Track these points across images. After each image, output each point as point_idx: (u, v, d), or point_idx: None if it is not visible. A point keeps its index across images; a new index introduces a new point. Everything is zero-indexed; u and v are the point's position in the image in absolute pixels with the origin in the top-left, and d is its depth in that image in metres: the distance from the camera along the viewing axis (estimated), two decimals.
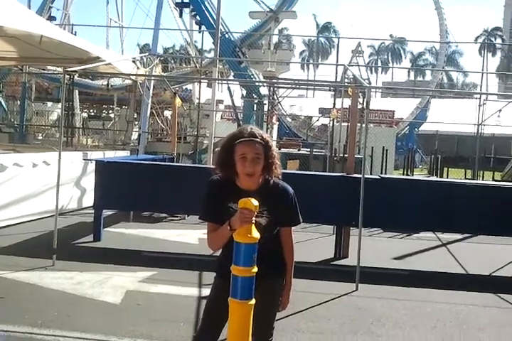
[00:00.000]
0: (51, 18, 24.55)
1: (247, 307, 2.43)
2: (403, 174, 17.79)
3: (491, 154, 19.17)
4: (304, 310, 4.93)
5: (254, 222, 2.41)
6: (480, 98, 16.21)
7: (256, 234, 2.40)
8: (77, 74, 16.47)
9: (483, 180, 15.81)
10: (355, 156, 7.59)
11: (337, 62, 17.24)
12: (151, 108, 14.58)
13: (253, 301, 2.44)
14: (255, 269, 2.41)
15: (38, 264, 6.08)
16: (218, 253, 2.88)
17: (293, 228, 2.89)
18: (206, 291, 5.28)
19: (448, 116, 24.31)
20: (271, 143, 2.74)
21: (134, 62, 13.40)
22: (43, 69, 20.11)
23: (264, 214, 2.65)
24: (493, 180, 16.48)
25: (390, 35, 76.16)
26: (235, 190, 2.71)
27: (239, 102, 23.93)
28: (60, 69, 14.74)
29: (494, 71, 63.01)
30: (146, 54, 14.71)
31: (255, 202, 2.41)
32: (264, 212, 2.64)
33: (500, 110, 15.52)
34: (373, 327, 4.72)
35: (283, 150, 16.42)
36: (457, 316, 5.15)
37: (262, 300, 2.56)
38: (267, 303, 2.75)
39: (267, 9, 23.43)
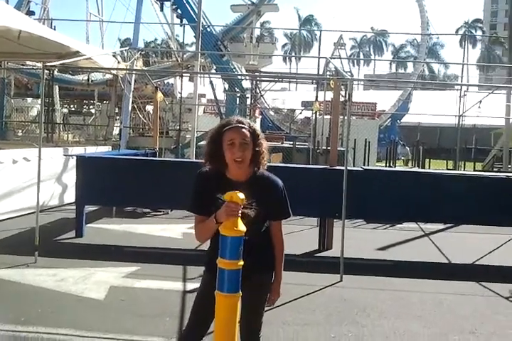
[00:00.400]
0: (30, 13, 24.11)
1: (233, 301, 2.42)
2: (386, 166, 17.89)
3: (472, 145, 19.35)
4: (289, 302, 4.93)
5: (240, 214, 2.40)
6: (461, 89, 16.32)
7: (242, 227, 2.39)
8: (56, 69, 16.25)
9: (464, 170, 15.97)
10: (338, 149, 7.59)
11: (319, 54, 17.27)
12: (132, 103, 14.45)
13: (239, 294, 2.42)
14: (241, 262, 2.40)
15: (20, 261, 6.01)
16: (202, 247, 2.85)
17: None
18: (191, 285, 5.30)
19: (430, 108, 24.49)
20: (258, 131, 2.72)
21: (114, 56, 13.29)
22: (22, 65, 19.82)
23: (253, 205, 2.62)
24: (474, 170, 16.65)
25: (371, 28, 76.55)
26: (224, 181, 2.68)
27: (221, 96, 23.85)
28: (40, 65, 14.55)
29: (475, 62, 63.58)
30: (127, 48, 14.57)
31: (241, 196, 2.40)
32: (253, 203, 2.62)
33: (480, 101, 15.63)
34: (358, 318, 4.75)
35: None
36: (441, 305, 5.20)
37: (249, 294, 2.56)
38: (254, 298, 2.73)
39: (249, 2, 23.33)
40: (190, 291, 5.14)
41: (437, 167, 18.29)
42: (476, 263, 7.03)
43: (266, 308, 2.88)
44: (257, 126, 2.85)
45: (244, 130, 2.63)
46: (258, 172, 2.74)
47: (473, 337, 4.40)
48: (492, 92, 16.04)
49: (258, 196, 2.65)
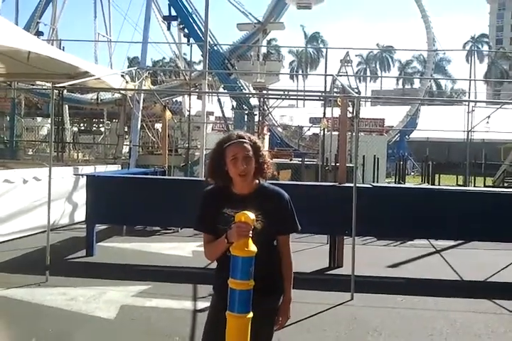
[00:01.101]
0: (39, 34, 24.54)
1: (244, 321, 2.40)
2: (395, 182, 17.83)
3: (481, 160, 19.26)
4: (299, 321, 4.90)
5: (251, 235, 2.40)
6: (468, 105, 16.33)
7: (253, 247, 2.39)
8: (65, 90, 16.42)
9: (474, 185, 15.90)
10: (347, 165, 7.60)
11: (326, 72, 17.30)
12: (141, 121, 14.55)
13: (251, 315, 2.41)
14: (252, 282, 2.40)
15: (31, 281, 6.02)
16: (212, 265, 2.84)
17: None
18: (201, 304, 5.29)
19: (438, 123, 24.45)
20: (259, 143, 2.74)
21: (123, 76, 13.40)
22: (32, 85, 20.07)
23: (259, 218, 2.59)
24: (485, 185, 16.57)
25: (377, 44, 76.89)
26: (229, 195, 2.70)
27: (229, 114, 23.98)
28: (49, 84, 14.71)
29: (482, 77, 63.66)
30: (135, 68, 14.70)
31: (252, 216, 2.40)
32: (258, 216, 2.59)
33: (488, 116, 15.63)
34: (369, 337, 4.70)
35: (275, 160, 16.36)
36: (453, 323, 5.14)
37: (258, 317, 2.50)
38: (264, 320, 2.65)
39: (255, 21, 23.61)
40: (200, 310, 5.13)
41: (447, 182, 18.22)
42: (489, 280, 6.96)
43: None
44: (258, 138, 2.86)
45: (245, 144, 2.66)
46: (263, 184, 2.75)
47: None
48: (500, 107, 16.03)
49: (264, 208, 2.64)
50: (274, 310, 2.75)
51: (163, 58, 62.16)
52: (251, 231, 2.41)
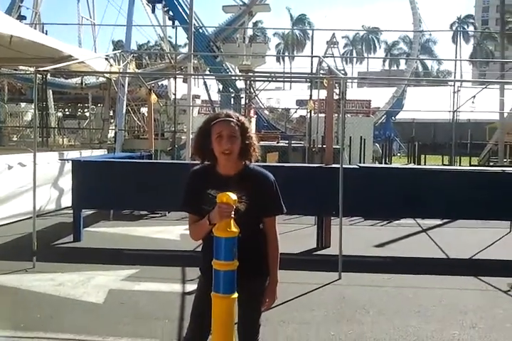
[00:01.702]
0: (21, 18, 24.10)
1: (229, 301, 2.41)
2: (381, 163, 17.90)
3: (467, 140, 19.38)
4: (287, 301, 4.93)
5: (233, 216, 2.39)
6: (454, 85, 16.35)
7: (235, 228, 2.39)
8: (49, 74, 16.20)
9: (460, 165, 16.00)
10: (334, 147, 7.61)
11: (312, 53, 17.21)
12: (126, 105, 14.43)
13: (235, 295, 2.42)
14: (237, 263, 2.40)
15: (18, 267, 5.99)
16: (200, 248, 2.83)
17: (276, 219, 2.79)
18: (190, 287, 5.30)
19: (424, 104, 24.53)
20: (247, 124, 2.71)
21: (107, 59, 13.25)
22: (15, 70, 19.78)
23: (242, 199, 2.58)
24: (470, 165, 16.69)
25: (362, 26, 76.61)
26: (214, 176, 2.68)
27: (216, 97, 23.84)
28: (32, 69, 14.51)
29: (467, 58, 63.69)
30: (120, 51, 14.55)
31: (234, 196, 2.39)
32: (242, 197, 2.58)
33: (474, 96, 15.67)
34: (357, 315, 4.75)
35: (262, 143, 16.35)
36: (440, 300, 5.21)
37: (245, 299, 2.52)
38: (250, 302, 2.68)
39: (241, 3, 23.32)
40: (189, 293, 5.14)
41: (433, 162, 18.33)
42: (474, 257, 7.04)
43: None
44: (247, 119, 2.83)
45: (232, 123, 2.62)
46: (249, 166, 2.72)
47: (473, 332, 4.41)
48: (486, 87, 16.07)
49: (248, 190, 2.62)
50: (260, 291, 2.75)
51: (148, 42, 61.47)
52: (233, 212, 2.39)
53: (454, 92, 16.02)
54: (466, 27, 73.40)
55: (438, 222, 9.12)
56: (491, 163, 18.57)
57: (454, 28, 72.21)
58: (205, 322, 2.66)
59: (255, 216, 2.69)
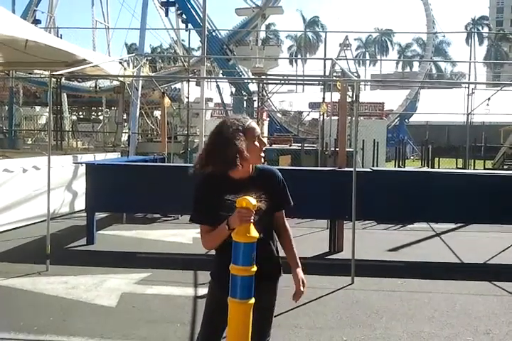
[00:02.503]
0: (36, 22, 24.34)
1: (246, 307, 2.40)
2: (395, 166, 17.82)
3: (481, 143, 19.22)
4: (300, 306, 4.91)
5: (252, 221, 2.38)
6: (468, 87, 16.23)
7: (255, 233, 2.37)
8: (63, 78, 16.34)
9: (474, 168, 15.89)
10: (347, 150, 7.58)
11: (325, 56, 17.17)
12: (140, 108, 14.51)
13: (253, 300, 2.40)
14: (254, 268, 2.39)
15: (32, 269, 6.04)
16: (212, 252, 2.81)
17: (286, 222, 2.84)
18: (202, 291, 5.30)
19: (438, 106, 24.34)
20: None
21: (121, 63, 13.34)
22: (30, 74, 19.98)
23: (262, 198, 2.54)
24: (485, 168, 16.56)
25: (375, 28, 76.40)
26: (227, 181, 2.65)
27: (228, 100, 23.88)
28: (47, 73, 14.65)
29: (482, 60, 63.30)
30: (133, 54, 14.63)
31: (253, 201, 2.37)
32: (262, 196, 2.54)
33: (489, 99, 15.52)
34: (370, 320, 4.72)
35: (274, 146, 16.40)
36: (454, 305, 5.16)
37: (259, 300, 2.51)
38: (264, 304, 2.68)
39: (254, 5, 23.36)
40: (201, 297, 5.14)
41: (447, 165, 18.19)
42: (489, 262, 6.98)
43: (276, 311, 2.84)
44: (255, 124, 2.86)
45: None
46: (256, 166, 2.75)
47: (487, 338, 4.37)
48: (500, 89, 15.93)
49: (264, 188, 2.60)
50: (275, 289, 2.78)
51: (161, 45, 61.78)
52: (253, 216, 2.39)
53: (468, 95, 15.89)
54: (480, 28, 72.90)
55: (452, 226, 9.04)
56: (505, 166, 18.42)
57: (468, 29, 71.76)
58: (217, 328, 2.66)
59: (273, 213, 2.74)
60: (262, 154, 2.68)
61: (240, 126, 2.63)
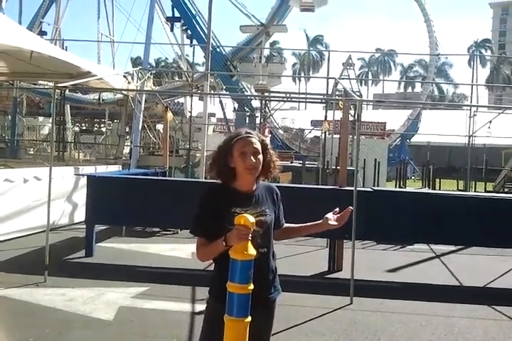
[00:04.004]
0: (42, 33, 24.54)
1: (242, 325, 2.38)
2: (395, 186, 17.82)
3: (482, 165, 19.24)
4: (298, 325, 4.89)
5: (250, 238, 2.37)
6: (470, 110, 16.32)
7: (252, 250, 2.37)
8: (67, 90, 16.43)
9: (475, 190, 15.87)
10: (348, 168, 7.59)
11: (328, 75, 17.30)
12: (142, 122, 14.55)
13: (249, 319, 2.39)
14: (251, 286, 2.38)
15: (30, 280, 6.01)
16: (211, 267, 2.80)
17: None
18: (199, 307, 5.28)
19: (439, 127, 24.45)
20: (267, 142, 2.74)
21: (125, 76, 13.40)
22: (34, 84, 20.09)
23: (266, 212, 2.65)
24: (485, 190, 16.55)
25: (377, 49, 76.93)
26: (234, 193, 2.65)
27: (231, 115, 23.99)
28: (51, 84, 14.73)
29: (484, 82, 63.66)
30: (137, 68, 14.71)
31: (252, 219, 2.38)
32: (266, 210, 2.65)
33: (490, 121, 15.61)
34: None
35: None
36: (452, 329, 5.12)
37: (256, 323, 2.47)
38: (262, 324, 2.64)
39: (258, 23, 23.59)
40: (199, 313, 5.11)
41: (448, 187, 18.18)
42: (488, 286, 6.94)
43: (273, 330, 2.83)
44: (264, 137, 2.86)
45: (254, 139, 2.65)
46: (259, 181, 2.75)
47: None
48: (502, 112, 16.01)
49: (269, 203, 2.71)
50: (273, 308, 2.76)
51: (166, 59, 62.15)
52: (251, 234, 2.38)
53: (470, 117, 15.98)
54: (483, 51, 73.43)
55: (452, 248, 9.01)
56: (506, 189, 18.41)
57: (470, 51, 72.29)
58: None
59: (275, 228, 2.78)
60: (251, 167, 2.59)
61: (232, 139, 2.66)
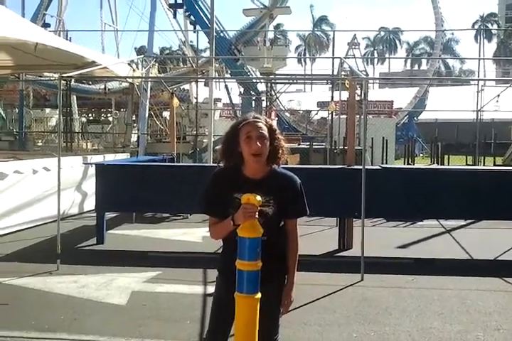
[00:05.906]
0: (45, 25, 24.57)
1: (253, 302, 2.41)
2: (404, 163, 17.75)
3: (491, 140, 19.08)
4: (309, 303, 4.93)
5: (257, 216, 2.38)
6: (478, 84, 16.17)
7: (260, 228, 2.39)
8: (73, 80, 16.46)
9: (484, 165, 15.78)
10: (356, 148, 7.57)
11: (333, 55, 17.23)
12: (149, 109, 14.57)
13: (259, 295, 2.42)
14: (260, 263, 2.40)
15: (43, 269, 6.08)
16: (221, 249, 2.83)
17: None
18: (211, 289, 5.29)
19: (447, 104, 24.26)
20: (275, 127, 2.70)
21: (129, 64, 13.39)
22: (40, 76, 20.14)
23: (270, 203, 2.59)
24: (495, 165, 16.44)
25: (381, 28, 76.06)
26: (240, 179, 2.65)
27: (237, 100, 23.93)
28: (57, 76, 14.75)
29: (491, 57, 62.90)
30: (142, 56, 14.70)
31: (258, 197, 2.38)
32: (270, 201, 2.59)
33: (498, 95, 15.47)
34: (380, 317, 4.71)
35: None
36: (464, 302, 5.14)
37: (266, 299, 2.50)
38: (271, 302, 2.66)
39: (261, 6, 23.41)
40: (210, 294, 5.09)
41: (456, 163, 18.07)
42: (499, 258, 6.94)
43: None
44: (273, 122, 2.82)
45: (260, 124, 2.61)
46: (275, 169, 2.70)
47: (497, 334, 4.35)
48: (510, 86, 15.84)
49: (276, 193, 2.61)
50: (281, 292, 2.76)
51: (171, 46, 61.88)
52: (258, 215, 2.39)
53: (478, 92, 15.83)
54: (489, 25, 72.39)
55: (462, 222, 9.00)
56: None
57: (476, 26, 71.32)
58: (224, 323, 2.68)
59: (281, 219, 2.71)
60: (256, 153, 2.55)
61: (239, 124, 2.64)
